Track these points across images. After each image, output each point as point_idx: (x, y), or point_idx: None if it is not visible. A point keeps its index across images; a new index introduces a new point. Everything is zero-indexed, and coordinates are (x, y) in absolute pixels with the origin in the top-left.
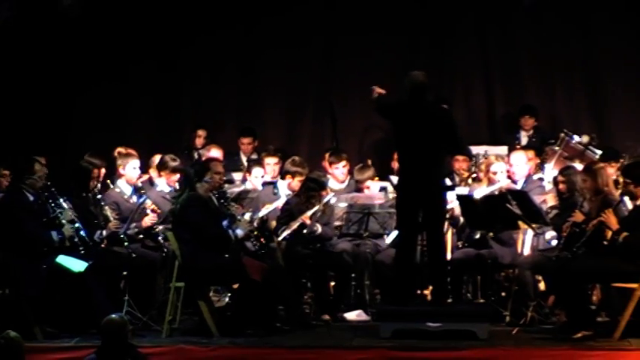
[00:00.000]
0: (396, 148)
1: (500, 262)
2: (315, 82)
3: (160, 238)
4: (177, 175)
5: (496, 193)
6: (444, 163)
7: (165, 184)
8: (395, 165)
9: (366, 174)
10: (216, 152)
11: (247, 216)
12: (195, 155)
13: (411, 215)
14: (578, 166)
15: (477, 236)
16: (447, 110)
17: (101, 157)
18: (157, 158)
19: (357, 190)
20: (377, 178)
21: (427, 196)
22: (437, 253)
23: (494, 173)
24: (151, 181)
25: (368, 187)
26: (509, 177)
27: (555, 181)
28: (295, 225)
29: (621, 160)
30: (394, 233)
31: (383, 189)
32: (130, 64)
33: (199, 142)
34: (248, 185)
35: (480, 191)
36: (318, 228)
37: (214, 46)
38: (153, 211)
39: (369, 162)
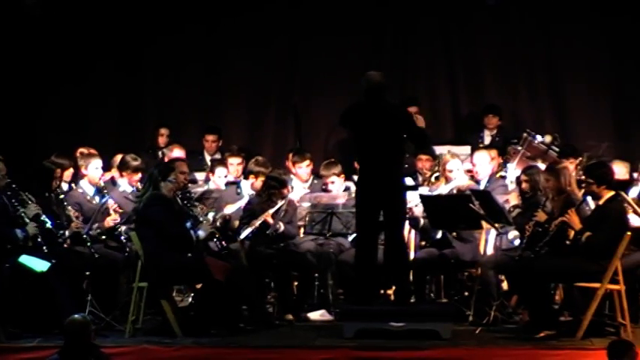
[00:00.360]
0: (355, 149)
1: (462, 260)
2: (279, 82)
3: (122, 238)
4: (139, 175)
5: (454, 191)
6: (403, 162)
7: (127, 184)
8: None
9: (332, 170)
10: (178, 152)
11: (210, 216)
12: (159, 154)
13: (371, 215)
14: (541, 165)
15: (439, 236)
16: (405, 109)
17: (69, 158)
18: (119, 158)
19: (322, 186)
20: (343, 175)
21: (387, 195)
22: (398, 253)
23: (450, 171)
24: (113, 181)
25: (333, 182)
26: (472, 176)
27: (518, 181)
28: (257, 223)
29: (580, 158)
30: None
31: (347, 189)
32: (92, 64)
33: (162, 140)
34: (211, 185)
35: (438, 190)
36: (281, 226)
37: (177, 46)
38: (115, 211)
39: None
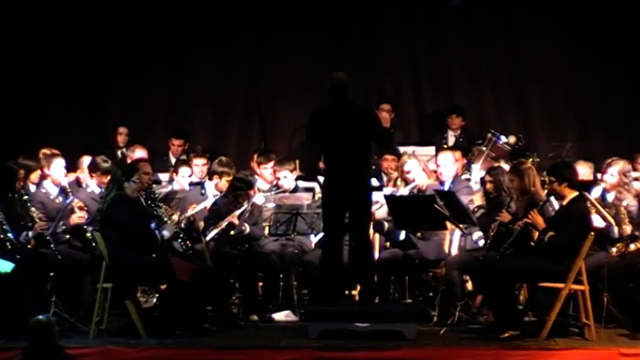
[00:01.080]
0: (321, 149)
1: (426, 258)
2: (243, 83)
3: (88, 235)
4: (109, 177)
5: (415, 191)
6: (370, 163)
7: (95, 185)
8: (322, 165)
9: (285, 165)
10: (140, 152)
11: (175, 217)
12: (119, 154)
13: (337, 216)
14: (505, 166)
15: (402, 237)
16: (369, 108)
17: (36, 159)
18: (85, 159)
19: (276, 183)
20: (297, 172)
21: (354, 196)
22: (364, 254)
23: (408, 172)
24: (78, 182)
25: (285, 177)
26: (436, 177)
27: (483, 181)
28: (223, 224)
29: (530, 159)
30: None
31: (310, 189)
32: (57, 65)
33: (121, 139)
34: (175, 185)
35: (399, 193)
36: (247, 228)
37: (142, 48)
38: (80, 208)
39: (297, 161)
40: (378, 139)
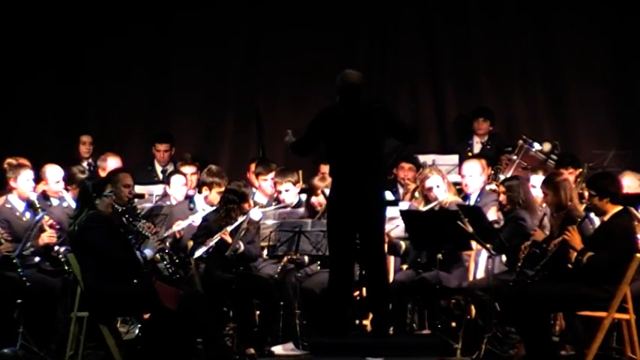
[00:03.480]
0: (328, 159)
1: (445, 286)
2: (237, 84)
3: (60, 256)
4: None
5: (436, 209)
6: (383, 173)
7: (71, 198)
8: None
9: (287, 177)
10: (114, 161)
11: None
12: (85, 166)
13: (346, 234)
14: (539, 177)
15: (424, 260)
16: (383, 106)
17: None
18: (48, 168)
19: (276, 197)
20: (300, 184)
21: (366, 212)
22: (378, 278)
23: (429, 189)
24: (45, 196)
25: (287, 191)
26: (459, 189)
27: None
28: (212, 242)
29: (580, 169)
30: None
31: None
32: (29, 69)
33: (85, 149)
34: (172, 202)
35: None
36: (241, 246)
37: (121, 46)
38: (51, 226)
39: (300, 172)
40: (402, 135)
